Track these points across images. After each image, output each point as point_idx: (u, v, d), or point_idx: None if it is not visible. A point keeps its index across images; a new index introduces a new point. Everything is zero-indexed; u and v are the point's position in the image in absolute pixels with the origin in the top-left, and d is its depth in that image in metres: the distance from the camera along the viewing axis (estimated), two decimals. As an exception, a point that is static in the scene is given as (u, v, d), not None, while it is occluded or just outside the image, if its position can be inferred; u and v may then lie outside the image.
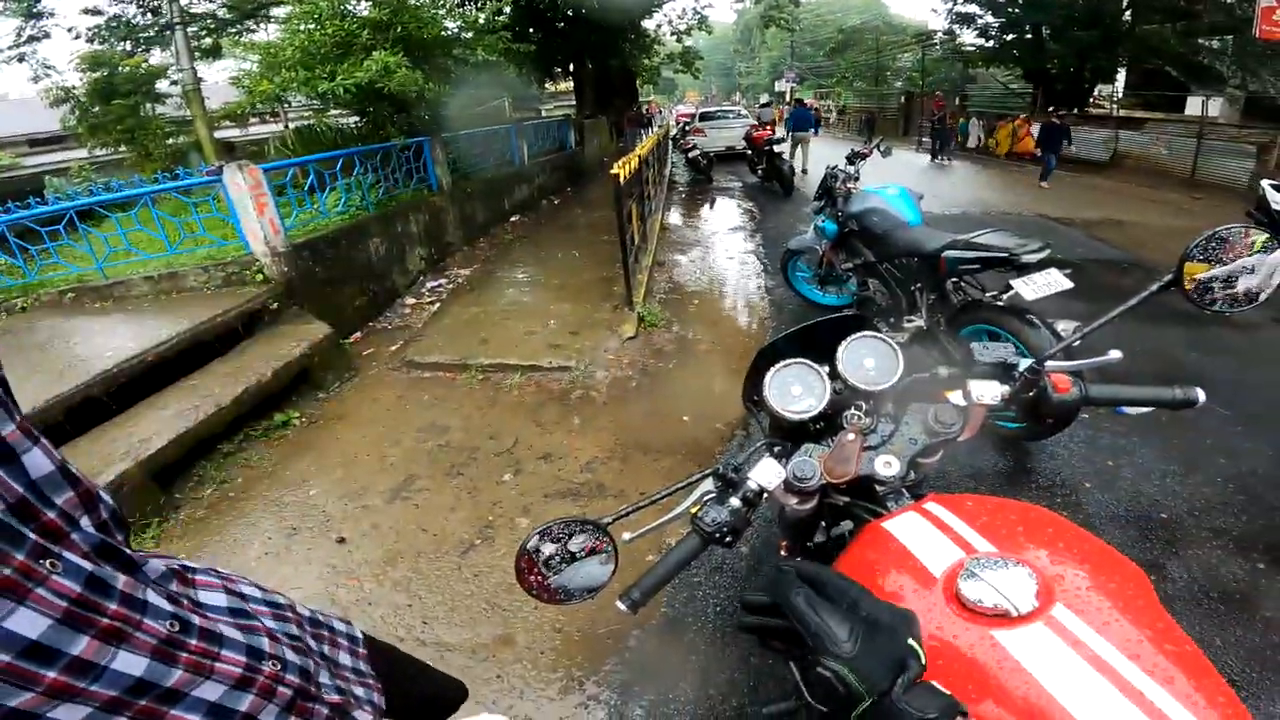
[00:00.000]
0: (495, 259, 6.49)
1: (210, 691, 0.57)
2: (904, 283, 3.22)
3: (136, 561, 0.57)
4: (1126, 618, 0.83)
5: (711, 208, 9.00)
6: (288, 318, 4.11)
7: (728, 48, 59.57)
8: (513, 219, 8.42)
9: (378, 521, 2.66)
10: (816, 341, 1.32)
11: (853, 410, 1.18)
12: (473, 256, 6.78)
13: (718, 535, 1.12)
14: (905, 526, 1.07)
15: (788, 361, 1.32)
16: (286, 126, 10.18)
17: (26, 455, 0.50)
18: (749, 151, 10.78)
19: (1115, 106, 15.77)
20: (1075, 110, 14.72)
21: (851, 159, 3.97)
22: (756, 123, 12.39)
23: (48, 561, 0.47)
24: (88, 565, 0.50)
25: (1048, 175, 10.50)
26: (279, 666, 0.66)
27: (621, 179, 4.40)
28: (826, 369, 1.21)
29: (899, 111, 22.14)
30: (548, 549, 1.15)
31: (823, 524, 1.61)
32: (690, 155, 11.14)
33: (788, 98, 24.36)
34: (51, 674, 0.46)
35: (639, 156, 5.49)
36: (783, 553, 2.01)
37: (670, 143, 14.67)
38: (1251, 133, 10.34)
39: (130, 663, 0.51)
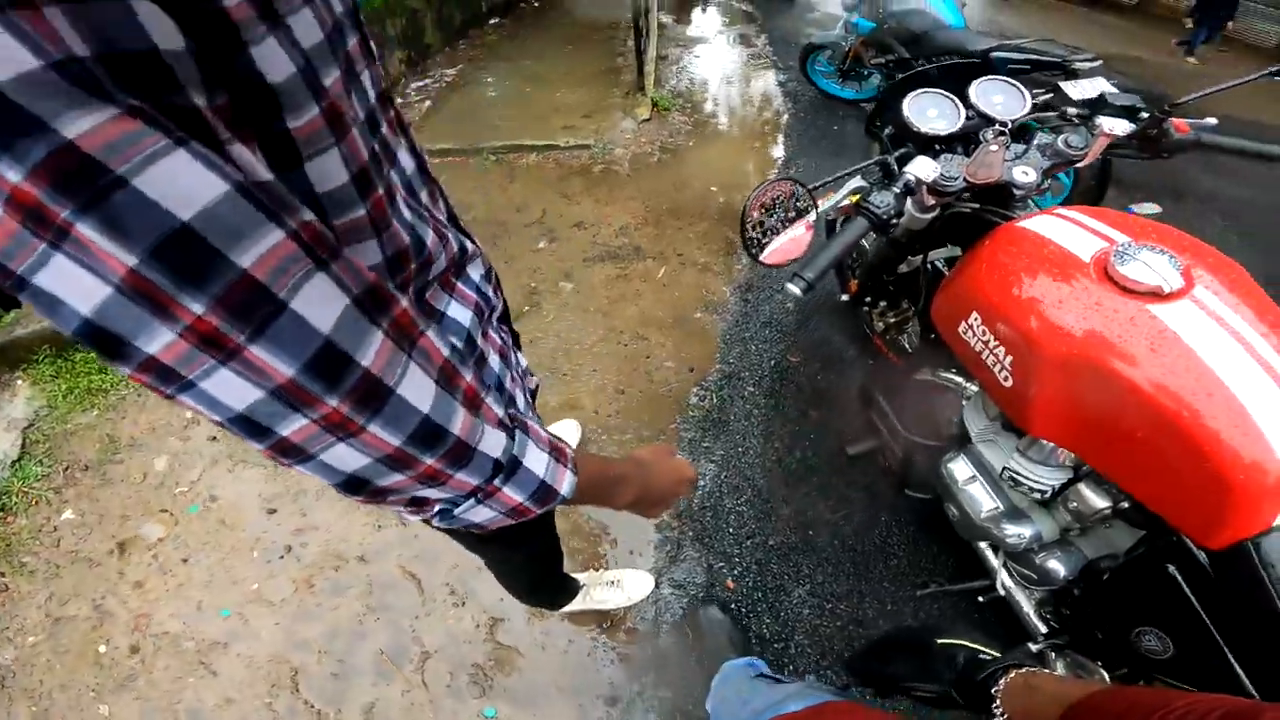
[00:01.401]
0: (484, 57, 5.97)
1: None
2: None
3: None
4: (1250, 303, 0.92)
5: (704, 10, 8.26)
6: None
7: None
8: (491, 21, 7.64)
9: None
10: (939, 83, 1.51)
11: (996, 127, 1.33)
12: (457, 58, 6.22)
13: (885, 217, 1.21)
14: (1044, 225, 1.15)
15: (925, 90, 1.44)
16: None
17: None
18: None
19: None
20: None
21: None
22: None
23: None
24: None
25: (1196, 48, 7.68)
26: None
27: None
28: (960, 100, 1.40)
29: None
30: (760, 213, 1.25)
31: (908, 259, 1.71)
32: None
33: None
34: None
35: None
36: (845, 296, 2.07)
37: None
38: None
39: None
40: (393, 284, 0.45)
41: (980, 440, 1.28)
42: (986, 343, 1.09)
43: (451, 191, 3.43)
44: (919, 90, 1.46)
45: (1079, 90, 2.70)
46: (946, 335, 1.24)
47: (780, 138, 3.92)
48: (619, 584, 1.71)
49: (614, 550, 1.86)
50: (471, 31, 7.29)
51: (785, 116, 4.23)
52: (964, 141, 1.41)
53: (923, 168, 1.22)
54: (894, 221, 1.25)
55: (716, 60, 5.63)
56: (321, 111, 0.38)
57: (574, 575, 1.57)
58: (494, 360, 0.67)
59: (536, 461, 0.49)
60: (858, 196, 1.32)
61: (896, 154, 1.59)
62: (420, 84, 5.68)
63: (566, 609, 1.64)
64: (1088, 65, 2.59)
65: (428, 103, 5.04)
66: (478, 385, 0.45)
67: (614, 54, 5.48)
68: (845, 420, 2.01)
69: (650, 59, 5.13)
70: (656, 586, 1.75)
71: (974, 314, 1.13)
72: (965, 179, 1.22)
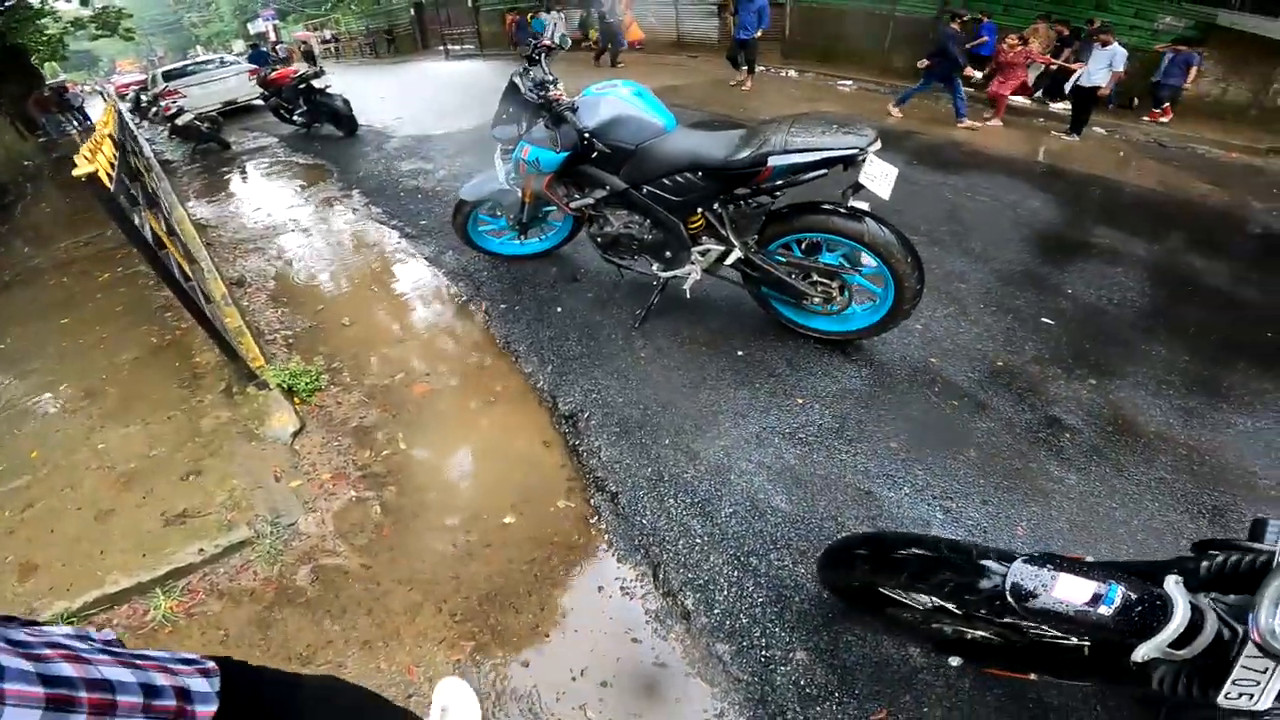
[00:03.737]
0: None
1: None
2: (680, 207, 2.40)
3: None
4: None
5: (244, 177, 6.41)
6: None
7: (164, 1, 45.45)
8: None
9: None
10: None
11: None
12: None
13: None
14: None
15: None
16: None
17: None
18: (271, 98, 8.19)
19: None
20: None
21: (534, 57, 2.64)
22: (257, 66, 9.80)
23: None
24: None
25: (961, 111, 7.13)
26: None
27: (105, 177, 2.18)
28: None
29: (412, 25, 20.30)
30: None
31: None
32: (180, 123, 7.74)
33: (272, 37, 20.12)
34: None
35: (109, 136, 2.99)
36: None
37: (138, 116, 10.81)
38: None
39: None
40: None
41: None
42: None
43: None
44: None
45: (883, 183, 2.09)
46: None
47: (513, 358, 2.71)
48: (447, 710, 1.45)
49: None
50: None
51: (486, 317, 3.02)
52: None
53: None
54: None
55: (321, 256, 4.04)
56: None
57: None
58: None
59: None
60: None
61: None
62: None
63: None
64: (876, 146, 2.09)
65: None
66: None
67: (148, 307, 3.46)
68: None
69: (224, 300, 3.32)
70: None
71: None
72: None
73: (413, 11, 20.51)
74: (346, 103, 7.28)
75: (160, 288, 3.56)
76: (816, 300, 2.41)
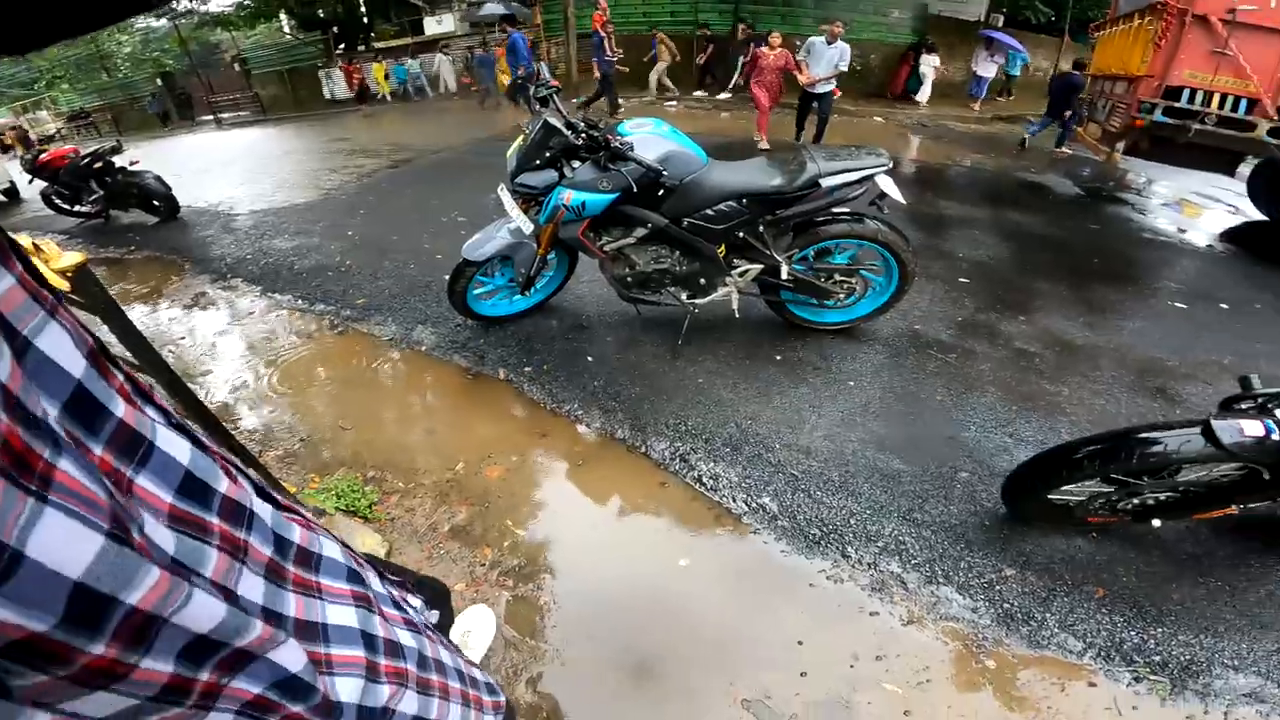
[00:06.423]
0: None
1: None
2: (718, 235, 2.56)
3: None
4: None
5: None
6: None
7: None
8: None
9: None
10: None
11: None
12: None
13: None
14: None
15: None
16: None
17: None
18: (45, 185, 6.65)
19: (373, 39, 16.83)
20: (361, 49, 14.76)
21: (546, 99, 2.51)
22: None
23: None
24: None
25: (1064, 140, 7.96)
26: None
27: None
28: None
29: (161, 96, 17.53)
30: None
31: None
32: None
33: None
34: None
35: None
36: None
37: None
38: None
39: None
40: None
41: None
42: None
43: None
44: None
45: (893, 189, 2.59)
46: None
47: (570, 417, 2.61)
48: (470, 633, 1.71)
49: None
50: None
51: (512, 384, 2.88)
52: None
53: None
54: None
55: (254, 361, 3.41)
56: None
57: None
58: None
59: None
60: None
61: None
62: None
63: None
64: (889, 165, 2.48)
65: None
66: None
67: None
68: None
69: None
70: None
71: None
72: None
73: (160, 81, 17.80)
74: (161, 180, 6.18)
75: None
76: (841, 296, 2.75)
